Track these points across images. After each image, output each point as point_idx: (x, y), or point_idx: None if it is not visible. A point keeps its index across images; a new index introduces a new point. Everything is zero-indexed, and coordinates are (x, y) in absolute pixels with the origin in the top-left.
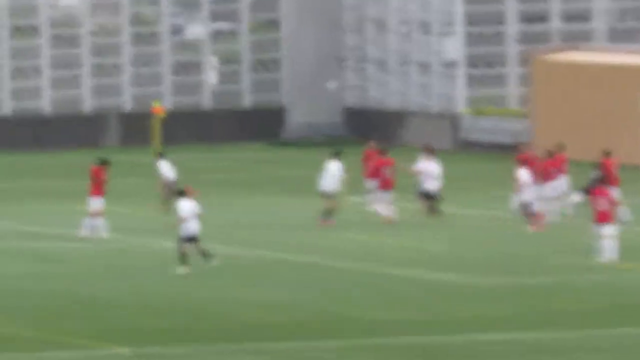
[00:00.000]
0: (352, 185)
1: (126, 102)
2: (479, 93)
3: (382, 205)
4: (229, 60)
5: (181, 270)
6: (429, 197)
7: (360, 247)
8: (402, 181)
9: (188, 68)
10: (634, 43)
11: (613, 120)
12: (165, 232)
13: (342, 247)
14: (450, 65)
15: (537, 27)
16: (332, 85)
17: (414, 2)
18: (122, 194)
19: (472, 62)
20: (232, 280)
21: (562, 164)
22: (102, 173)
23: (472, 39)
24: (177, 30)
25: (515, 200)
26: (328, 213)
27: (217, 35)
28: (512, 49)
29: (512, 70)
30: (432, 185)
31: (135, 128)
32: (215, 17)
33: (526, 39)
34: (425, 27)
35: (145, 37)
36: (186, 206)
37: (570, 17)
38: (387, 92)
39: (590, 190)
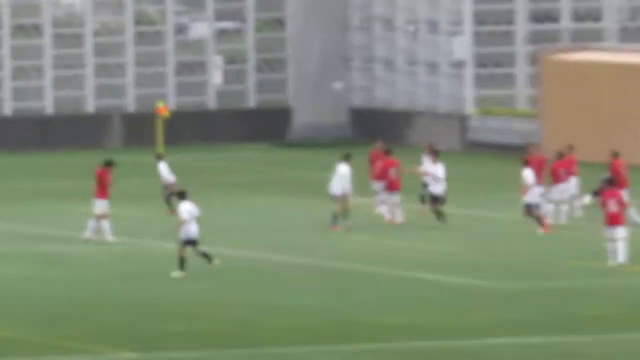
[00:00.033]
0: (359, 187)
1: (129, 102)
2: (487, 93)
3: (386, 207)
4: (233, 59)
5: (176, 274)
6: (435, 200)
7: (368, 250)
8: (408, 182)
9: (192, 68)
10: None
11: (624, 121)
12: (168, 234)
13: (350, 250)
14: (458, 65)
15: (547, 27)
16: (338, 85)
17: (421, 0)
18: (125, 195)
19: (481, 61)
20: (238, 284)
21: (571, 166)
22: (107, 174)
23: (480, 39)
24: (181, 30)
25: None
26: (337, 217)
27: (221, 35)
28: (521, 49)
29: (521, 70)
30: (438, 188)
31: (138, 129)
32: (220, 16)
33: (535, 38)
34: (433, 26)
35: (148, 36)
36: (186, 209)
37: (580, 16)
38: (394, 92)
39: (599, 192)
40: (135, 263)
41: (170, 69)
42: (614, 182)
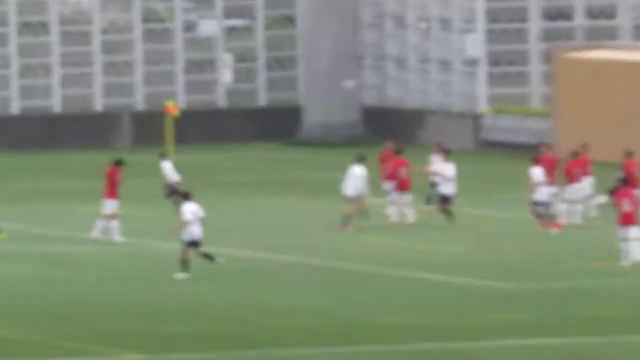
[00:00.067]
0: (370, 187)
1: (138, 100)
2: (500, 92)
3: (395, 209)
4: (243, 57)
5: (181, 276)
6: (445, 201)
7: (376, 250)
8: (419, 182)
9: (202, 66)
10: None
11: (638, 120)
12: (169, 235)
13: (358, 250)
14: (471, 63)
15: (561, 24)
16: (349, 83)
17: None
18: (133, 195)
19: (494, 59)
20: (242, 285)
21: (586, 165)
22: (117, 173)
23: (493, 36)
24: (190, 27)
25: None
26: (348, 218)
27: (231, 32)
28: (535, 47)
29: (535, 68)
30: (448, 188)
31: (147, 128)
32: (229, 13)
33: (549, 36)
34: (445, 24)
35: (157, 33)
36: (190, 210)
37: (594, 13)
38: (406, 91)
39: (614, 191)
40: (139, 264)
41: (179, 67)
42: (627, 181)
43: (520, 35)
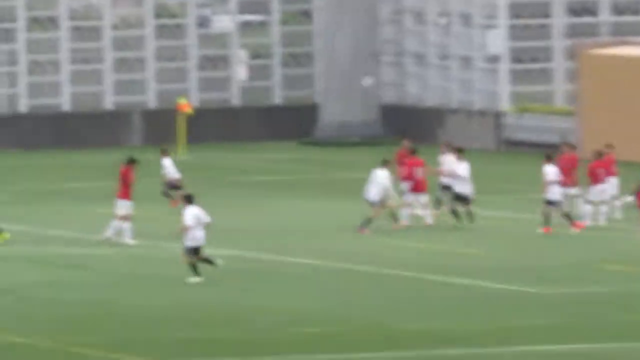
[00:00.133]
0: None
1: (150, 98)
2: (523, 89)
3: (408, 211)
4: (258, 54)
5: (193, 280)
6: (464, 201)
7: (394, 253)
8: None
9: (215, 62)
10: None
11: None
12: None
13: (380, 253)
14: (493, 59)
15: (585, 20)
16: (367, 81)
17: None
18: (145, 195)
19: (517, 56)
20: (260, 289)
21: (611, 165)
22: (130, 173)
23: (516, 32)
24: (203, 22)
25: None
26: (369, 221)
27: (246, 28)
28: (559, 43)
29: (559, 65)
30: (465, 188)
31: (159, 126)
32: (244, 8)
33: (574, 32)
34: (466, 19)
35: (170, 29)
36: (192, 214)
37: (620, 9)
38: (426, 89)
39: (638, 192)
40: (151, 267)
41: (192, 63)
42: None
43: (544, 31)
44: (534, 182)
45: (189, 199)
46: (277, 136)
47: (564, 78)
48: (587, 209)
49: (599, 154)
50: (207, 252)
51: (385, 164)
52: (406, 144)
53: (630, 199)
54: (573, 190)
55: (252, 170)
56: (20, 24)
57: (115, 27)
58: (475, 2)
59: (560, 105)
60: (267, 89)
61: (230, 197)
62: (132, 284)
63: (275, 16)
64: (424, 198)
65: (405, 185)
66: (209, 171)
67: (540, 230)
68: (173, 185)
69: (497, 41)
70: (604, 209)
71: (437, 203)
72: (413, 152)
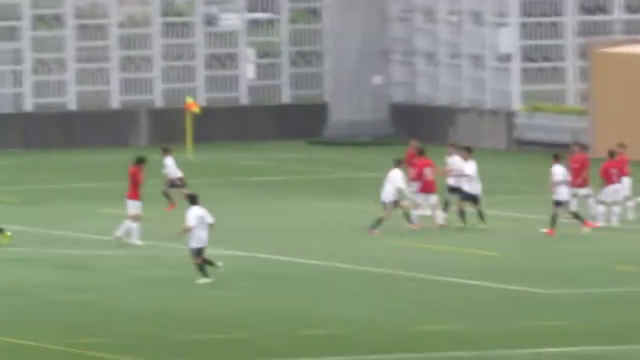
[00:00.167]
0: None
1: (157, 97)
2: (535, 88)
3: (419, 212)
4: (266, 52)
5: (203, 281)
6: (474, 200)
7: (406, 255)
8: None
9: (223, 61)
10: None
11: None
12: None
13: (389, 255)
14: (504, 58)
15: (598, 18)
16: (377, 79)
17: None
18: (152, 196)
19: (528, 55)
20: (271, 291)
21: (624, 165)
22: (139, 173)
23: (528, 31)
24: (211, 21)
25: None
26: (380, 222)
27: (254, 26)
28: (571, 42)
29: (571, 64)
30: (474, 187)
31: (166, 125)
32: (252, 6)
33: (586, 30)
34: (477, 17)
35: (177, 27)
36: (195, 214)
37: (633, 7)
38: (436, 87)
39: None
40: (160, 268)
41: (199, 62)
42: None
43: (556, 29)
44: (545, 182)
45: (192, 199)
46: (286, 135)
47: (576, 77)
48: (600, 209)
49: (612, 154)
50: (216, 253)
51: (398, 164)
52: (414, 144)
53: None
54: (583, 191)
55: (260, 170)
56: (26, 22)
57: (121, 25)
58: None
59: (572, 104)
60: (275, 87)
61: (238, 197)
62: (140, 286)
63: (284, 14)
64: (433, 199)
65: (415, 186)
66: (217, 171)
67: (544, 230)
68: (175, 185)
69: (509, 40)
70: (616, 209)
71: (446, 205)
72: (421, 152)
